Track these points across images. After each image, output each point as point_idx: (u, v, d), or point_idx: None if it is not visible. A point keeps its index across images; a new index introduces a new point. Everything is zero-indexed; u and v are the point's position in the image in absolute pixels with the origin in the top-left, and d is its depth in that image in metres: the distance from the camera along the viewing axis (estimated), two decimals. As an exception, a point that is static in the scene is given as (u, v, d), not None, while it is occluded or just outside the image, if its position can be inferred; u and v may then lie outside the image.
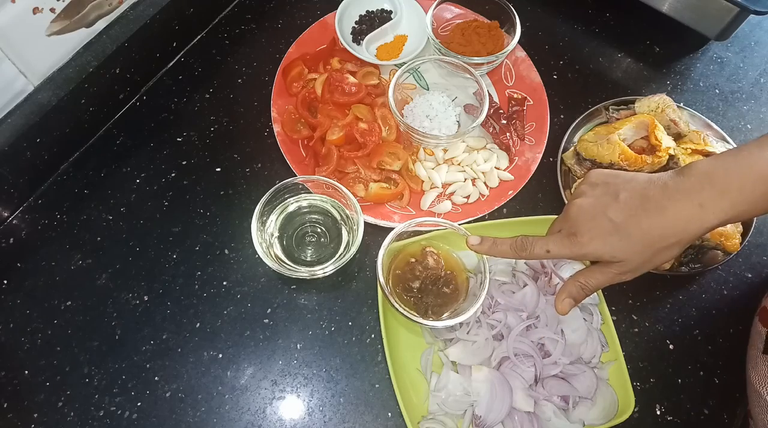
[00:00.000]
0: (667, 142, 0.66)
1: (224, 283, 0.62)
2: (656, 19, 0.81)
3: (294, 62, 0.72)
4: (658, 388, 0.61)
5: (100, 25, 0.64)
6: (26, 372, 0.57)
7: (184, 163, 0.68)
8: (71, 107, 0.63)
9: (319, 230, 0.64)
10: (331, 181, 0.60)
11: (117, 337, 0.59)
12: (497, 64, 0.74)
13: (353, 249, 0.58)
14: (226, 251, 0.64)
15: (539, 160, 0.70)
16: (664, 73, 0.81)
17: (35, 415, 0.55)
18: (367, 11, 0.78)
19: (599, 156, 0.66)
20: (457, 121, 0.71)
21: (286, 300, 0.62)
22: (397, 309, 0.55)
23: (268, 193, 0.59)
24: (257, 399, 0.57)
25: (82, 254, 0.62)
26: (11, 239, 0.63)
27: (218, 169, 0.68)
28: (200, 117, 0.71)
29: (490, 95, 0.71)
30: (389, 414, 0.57)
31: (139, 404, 0.56)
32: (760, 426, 0.55)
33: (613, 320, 0.61)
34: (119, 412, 0.56)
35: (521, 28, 0.72)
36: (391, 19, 0.77)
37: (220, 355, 0.59)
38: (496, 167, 0.69)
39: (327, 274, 0.58)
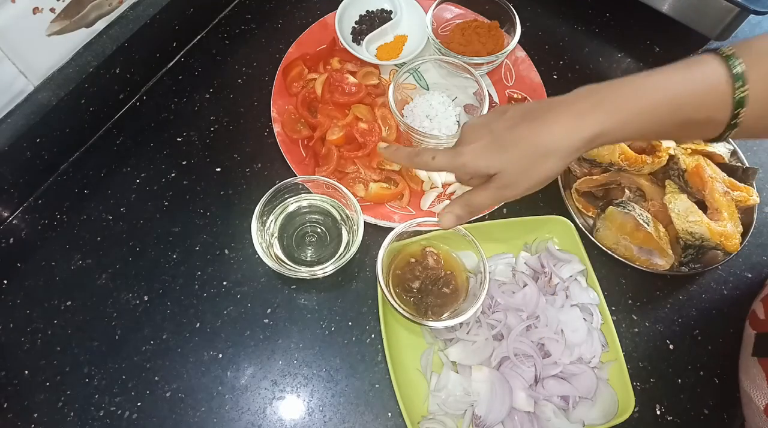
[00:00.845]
0: (667, 142, 0.67)
1: (224, 283, 0.62)
2: (656, 19, 0.81)
3: (294, 62, 0.72)
4: (658, 388, 0.61)
5: (100, 25, 0.64)
6: (26, 372, 0.57)
7: (184, 163, 0.68)
8: (71, 107, 0.63)
9: (319, 230, 0.64)
10: (331, 181, 0.60)
11: (117, 337, 0.59)
12: (497, 64, 0.74)
13: (353, 250, 0.58)
14: (226, 251, 0.64)
15: (539, 160, 0.70)
16: (664, 73, 0.81)
17: (35, 415, 0.55)
18: (367, 11, 0.78)
19: (599, 156, 0.67)
20: (457, 121, 0.71)
21: (286, 300, 0.62)
22: (397, 310, 0.55)
23: (268, 193, 0.59)
24: (257, 399, 0.57)
25: (82, 254, 0.62)
26: (11, 239, 0.63)
27: (218, 169, 0.68)
28: (200, 117, 0.71)
29: (490, 95, 0.71)
30: (389, 414, 0.57)
31: (139, 404, 0.56)
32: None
33: (613, 320, 0.61)
34: (119, 412, 0.56)
35: (521, 28, 0.72)
36: (391, 19, 0.77)
37: (220, 355, 0.59)
38: (496, 167, 0.69)
39: (327, 274, 0.58)
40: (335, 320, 0.61)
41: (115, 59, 0.65)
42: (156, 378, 0.57)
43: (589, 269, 0.63)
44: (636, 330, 0.63)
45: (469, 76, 0.70)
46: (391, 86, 0.67)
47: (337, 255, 0.61)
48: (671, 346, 0.63)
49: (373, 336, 0.60)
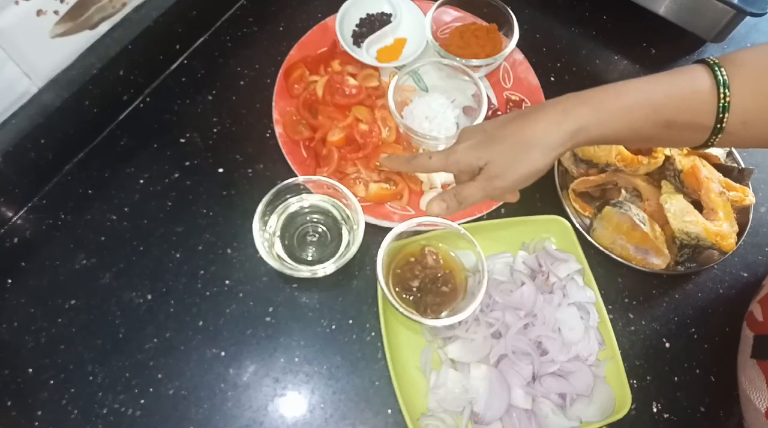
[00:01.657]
0: (663, 143, 0.67)
1: (227, 282, 0.63)
2: (653, 22, 0.82)
3: (295, 64, 0.73)
4: (655, 386, 0.61)
5: (104, 27, 0.65)
6: (30, 370, 0.57)
7: (187, 163, 0.69)
8: (75, 108, 0.64)
9: (320, 230, 0.65)
10: (331, 181, 0.61)
11: (120, 336, 0.59)
12: (495, 67, 0.75)
13: (354, 249, 0.59)
14: (229, 250, 0.64)
15: (537, 161, 0.71)
16: (661, 75, 0.82)
17: (39, 413, 0.55)
18: (368, 14, 0.79)
19: (596, 157, 0.67)
20: (456, 123, 0.71)
21: (288, 299, 0.62)
22: (397, 308, 0.56)
23: (269, 194, 0.60)
24: (259, 396, 0.58)
25: (85, 253, 0.63)
26: (15, 239, 0.63)
27: (221, 170, 0.69)
28: (203, 118, 0.72)
29: (488, 97, 0.72)
30: (389, 411, 0.58)
31: (142, 401, 0.57)
32: None
33: (609, 318, 0.61)
34: (122, 410, 0.56)
35: (519, 31, 0.73)
36: (391, 22, 0.77)
37: (223, 353, 0.59)
38: (494, 168, 0.70)
39: (328, 273, 0.58)
40: (336, 318, 0.62)
41: (119, 61, 0.65)
42: (159, 376, 0.58)
43: (586, 268, 0.63)
44: (632, 328, 0.64)
45: (467, 78, 0.71)
46: (391, 88, 0.68)
47: (338, 255, 0.61)
48: (667, 344, 0.64)
49: (373, 334, 0.61)
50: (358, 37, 0.77)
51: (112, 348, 0.59)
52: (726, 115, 0.43)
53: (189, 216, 0.66)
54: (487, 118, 0.70)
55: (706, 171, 0.66)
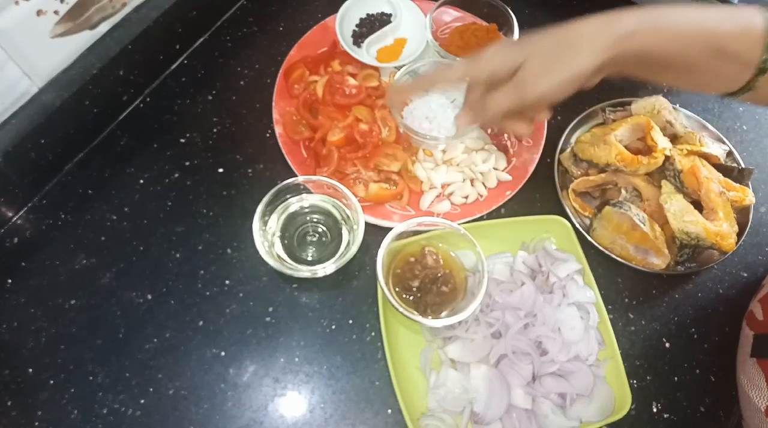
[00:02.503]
0: (663, 143, 0.67)
1: (227, 282, 0.63)
2: (653, 22, 0.82)
3: (295, 64, 0.73)
4: (655, 386, 0.61)
5: (104, 27, 0.65)
6: (30, 370, 0.57)
7: (187, 163, 0.69)
8: (75, 108, 0.64)
9: (320, 230, 0.65)
10: (331, 181, 0.61)
11: (121, 336, 0.59)
12: (496, 67, 0.75)
13: (354, 249, 0.59)
14: (229, 250, 0.64)
15: (537, 161, 0.71)
16: (661, 75, 0.82)
17: (39, 413, 0.56)
18: (368, 14, 0.79)
19: (596, 157, 0.67)
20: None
21: (288, 299, 0.63)
22: (397, 308, 0.56)
23: (269, 194, 0.60)
24: (259, 396, 0.58)
25: (86, 253, 0.63)
26: (15, 239, 0.64)
27: (221, 170, 0.69)
28: (203, 118, 0.72)
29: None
30: (389, 410, 0.58)
31: (142, 401, 0.57)
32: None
33: (609, 318, 0.61)
34: (123, 410, 0.56)
35: (519, 31, 0.73)
36: (391, 22, 0.78)
37: (223, 353, 0.59)
38: (494, 168, 0.70)
39: (328, 273, 0.58)
40: (336, 318, 0.62)
41: (119, 61, 0.65)
42: (159, 375, 0.58)
43: (586, 268, 0.63)
44: (632, 328, 0.64)
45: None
46: (391, 88, 0.68)
47: (338, 255, 0.61)
48: (667, 344, 0.64)
49: (373, 334, 0.61)
50: (358, 37, 0.77)
51: (112, 348, 0.59)
52: None
53: (189, 216, 0.66)
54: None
55: (706, 171, 0.66)
